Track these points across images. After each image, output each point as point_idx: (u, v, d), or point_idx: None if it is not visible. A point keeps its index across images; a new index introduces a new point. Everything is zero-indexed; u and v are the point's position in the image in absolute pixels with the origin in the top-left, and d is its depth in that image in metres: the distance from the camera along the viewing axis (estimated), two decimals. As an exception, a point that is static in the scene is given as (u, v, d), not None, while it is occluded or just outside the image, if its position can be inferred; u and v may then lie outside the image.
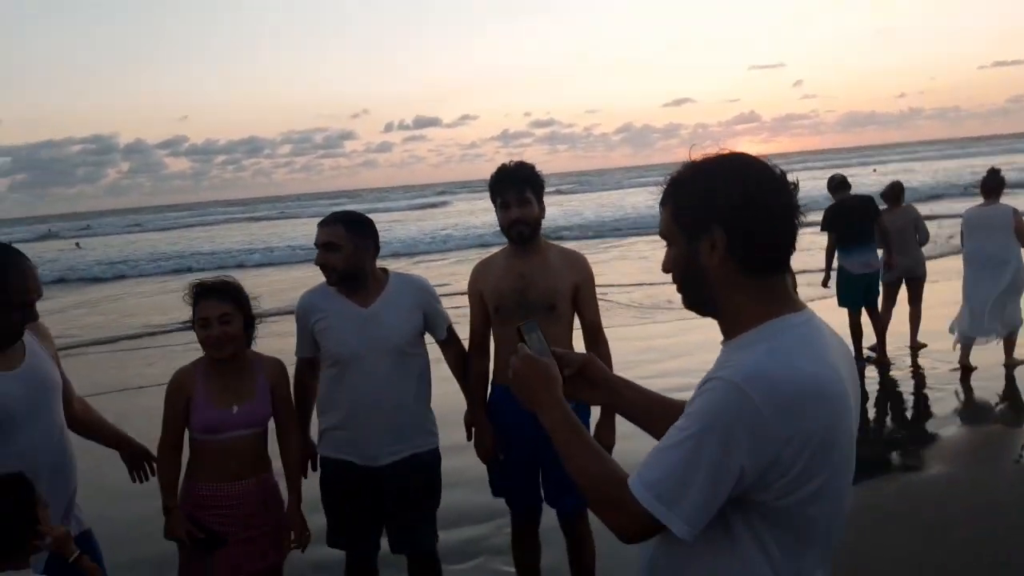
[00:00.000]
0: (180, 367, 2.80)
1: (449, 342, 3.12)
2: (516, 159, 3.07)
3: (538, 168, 3.03)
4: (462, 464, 3.43)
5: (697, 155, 1.35)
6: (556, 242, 3.32)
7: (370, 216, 3.02)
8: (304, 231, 30.15)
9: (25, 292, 2.20)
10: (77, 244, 39.05)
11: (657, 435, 1.33)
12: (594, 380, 1.60)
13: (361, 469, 2.90)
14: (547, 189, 3.08)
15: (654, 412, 1.57)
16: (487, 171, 3.12)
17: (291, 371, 2.96)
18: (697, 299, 1.40)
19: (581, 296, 3.04)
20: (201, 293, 2.68)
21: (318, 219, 2.99)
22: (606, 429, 3.00)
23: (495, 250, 3.26)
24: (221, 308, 2.63)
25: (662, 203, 1.39)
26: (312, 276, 2.92)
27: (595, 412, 2.99)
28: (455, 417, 3.24)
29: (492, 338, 3.14)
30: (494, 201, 3.03)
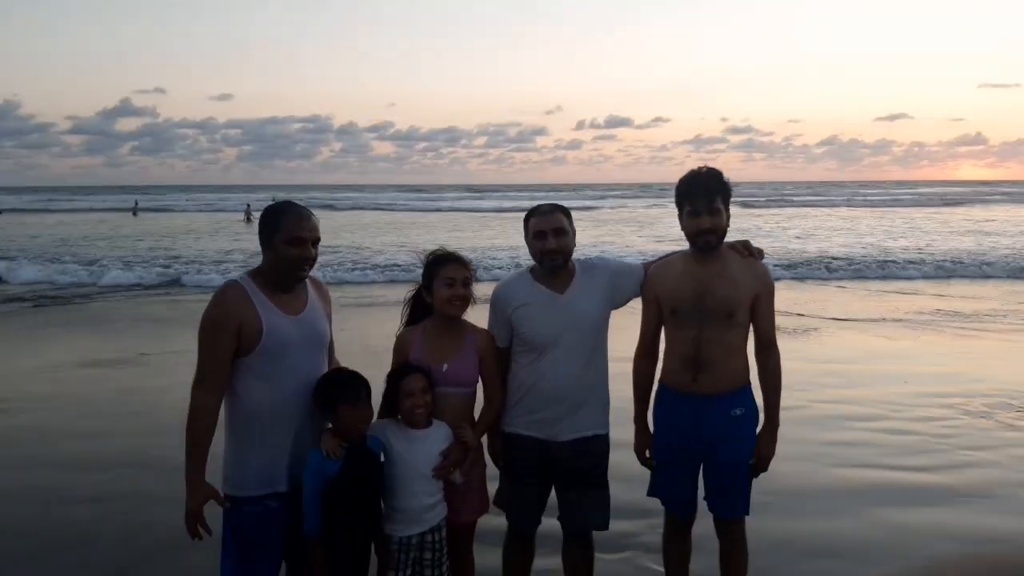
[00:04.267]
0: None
1: None
2: (707, 164, 3.06)
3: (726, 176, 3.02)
4: (624, 459, 3.40)
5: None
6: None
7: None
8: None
9: (295, 228, 2.64)
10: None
11: None
12: None
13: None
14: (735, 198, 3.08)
15: None
16: (674, 175, 3.13)
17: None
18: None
19: (759, 307, 3.04)
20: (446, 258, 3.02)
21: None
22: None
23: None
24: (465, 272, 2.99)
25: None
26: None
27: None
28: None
29: (664, 339, 3.17)
30: (680, 207, 3.02)
